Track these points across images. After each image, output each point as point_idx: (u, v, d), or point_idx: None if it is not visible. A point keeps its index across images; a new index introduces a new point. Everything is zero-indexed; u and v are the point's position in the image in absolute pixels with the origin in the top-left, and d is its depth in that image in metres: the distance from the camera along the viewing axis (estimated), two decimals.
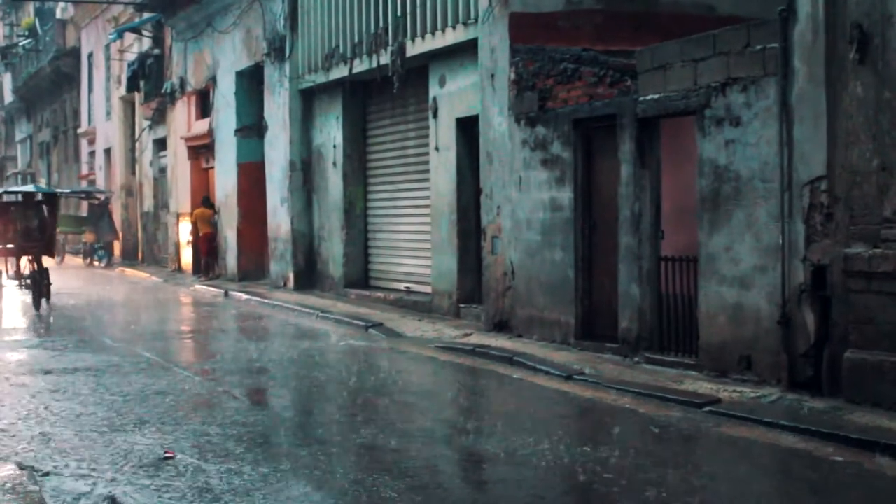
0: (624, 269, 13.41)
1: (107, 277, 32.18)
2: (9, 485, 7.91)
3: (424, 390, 12.58)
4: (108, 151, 40.60)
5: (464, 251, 18.02)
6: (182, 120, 31.57)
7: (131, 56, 35.46)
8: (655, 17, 15.82)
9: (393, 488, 7.87)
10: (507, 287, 15.94)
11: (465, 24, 17.41)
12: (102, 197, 36.20)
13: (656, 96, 12.85)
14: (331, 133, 23.03)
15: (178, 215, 32.03)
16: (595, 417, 10.97)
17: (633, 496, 7.81)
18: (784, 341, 11.00)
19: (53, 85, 48.13)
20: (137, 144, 36.84)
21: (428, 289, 19.29)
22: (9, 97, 57.85)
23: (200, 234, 28.93)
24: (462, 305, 17.88)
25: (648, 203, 13.14)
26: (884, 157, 10.03)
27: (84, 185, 42.49)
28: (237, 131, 27.19)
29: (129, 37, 35.78)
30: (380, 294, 21.02)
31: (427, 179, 19.30)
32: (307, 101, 24.02)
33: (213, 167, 29.51)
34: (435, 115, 18.73)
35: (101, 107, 41.08)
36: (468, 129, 17.71)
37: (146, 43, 34.53)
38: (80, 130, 44.78)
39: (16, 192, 23.51)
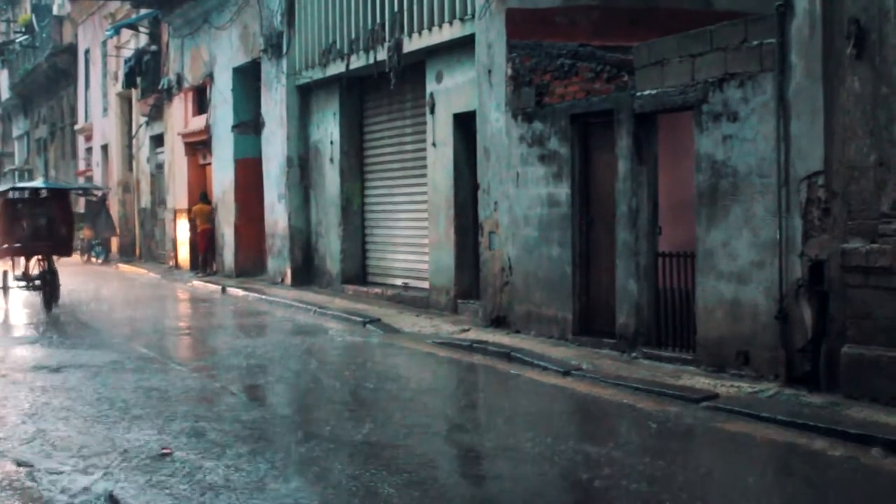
0: (621, 264, 13.42)
1: (104, 274, 32.17)
2: (6, 482, 7.91)
3: (422, 386, 12.58)
4: (105, 148, 40.57)
5: (461, 247, 18.01)
6: (179, 116, 31.55)
7: (128, 52, 35.43)
8: (652, 13, 15.80)
9: (390, 484, 7.87)
10: (504, 283, 15.95)
11: (461, 19, 17.40)
12: (100, 193, 36.14)
13: (653, 92, 12.85)
14: (328, 129, 23.03)
15: (175, 212, 32.01)
16: (593, 413, 10.98)
17: (631, 491, 7.81)
18: (781, 336, 11.01)
19: (50, 81, 48.09)
20: (134, 141, 36.82)
21: (425, 284, 19.29)
22: (6, 94, 57.80)
23: (199, 230, 28.92)
24: (460, 301, 17.89)
25: (646, 198, 13.14)
26: (881, 153, 10.03)
27: (81, 181, 42.46)
28: (234, 127, 27.18)
29: (126, 33, 35.75)
30: (377, 290, 21.01)
31: (424, 175, 19.29)
32: (304, 98, 24.00)
33: (210, 163, 29.49)
34: (432, 111, 18.72)
35: (98, 103, 41.04)
36: (465, 124, 17.70)
37: (143, 39, 34.50)
38: (77, 127, 44.75)
39: (23, 189, 22.14)
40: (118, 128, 38.64)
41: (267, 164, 25.52)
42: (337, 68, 21.89)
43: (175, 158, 32.08)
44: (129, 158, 38.06)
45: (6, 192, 21.54)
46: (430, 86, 18.75)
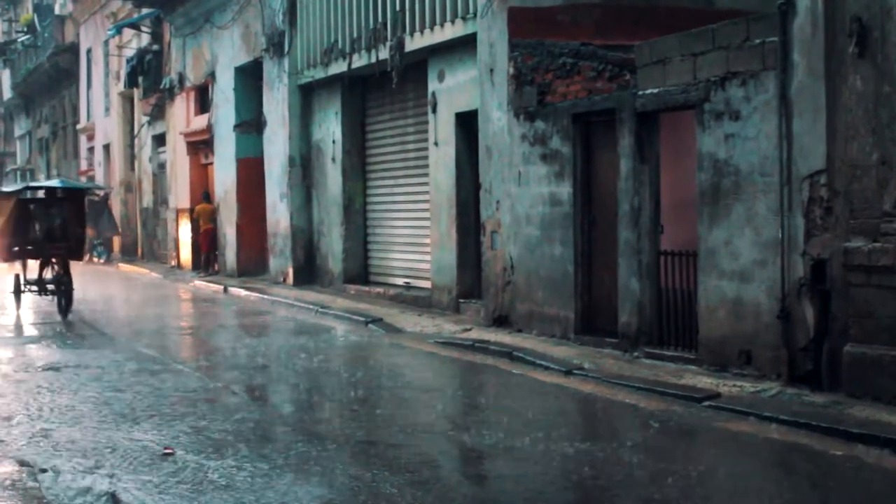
0: (623, 263, 13.41)
1: (106, 274, 32.18)
2: (9, 482, 7.91)
3: (424, 386, 12.57)
4: (107, 147, 40.59)
5: (463, 246, 18.01)
6: (181, 116, 31.55)
7: (130, 52, 35.44)
8: (654, 12, 15.80)
9: (392, 483, 7.87)
10: (506, 282, 15.94)
11: (463, 18, 17.39)
12: (102, 193, 36.17)
13: (655, 90, 12.84)
14: (330, 128, 23.02)
15: (177, 211, 32.02)
16: (595, 412, 10.97)
17: (633, 491, 7.81)
18: (784, 335, 11.00)
19: (52, 81, 48.11)
20: (136, 140, 36.83)
21: (427, 284, 19.28)
22: (8, 93, 57.83)
23: (201, 229, 28.92)
24: (462, 300, 17.88)
25: (648, 197, 13.13)
26: (883, 151, 10.02)
27: (83, 181, 42.48)
28: (236, 127, 27.18)
29: (128, 32, 35.76)
30: (379, 289, 21.01)
31: (426, 174, 19.29)
32: (306, 97, 24.00)
33: (212, 163, 29.50)
34: (434, 110, 18.72)
35: (100, 103, 41.06)
36: (467, 123, 17.69)
37: (145, 39, 34.51)
38: (78, 126, 44.76)
39: (38, 188, 21.22)
40: (120, 127, 38.65)
41: (269, 164, 25.52)
42: (339, 67, 21.89)
43: (177, 158, 32.09)
44: (131, 158, 38.07)
45: (20, 191, 20.72)
46: (432, 85, 18.74)
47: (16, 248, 19.81)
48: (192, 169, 31.01)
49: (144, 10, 33.25)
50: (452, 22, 17.72)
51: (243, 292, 23.66)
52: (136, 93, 35.95)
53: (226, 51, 27.73)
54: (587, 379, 12.14)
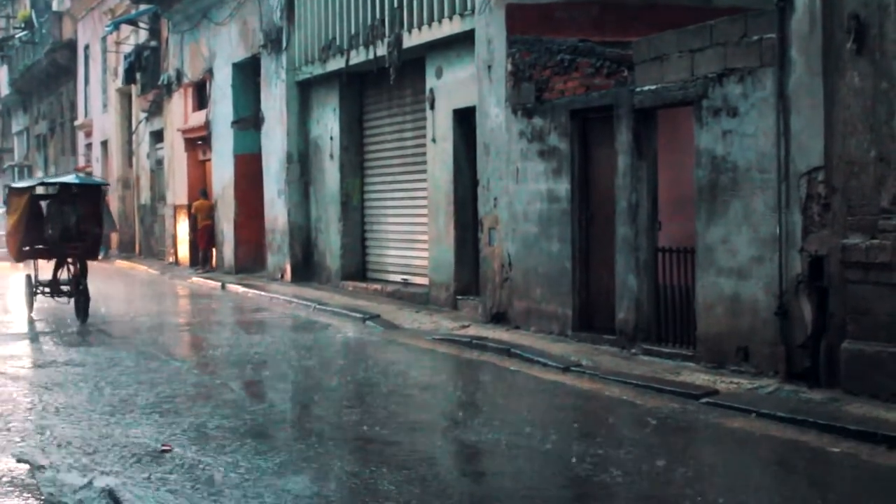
0: (621, 260, 13.41)
1: (104, 270, 32.14)
2: (7, 478, 7.91)
3: (422, 382, 12.57)
4: (104, 144, 40.56)
5: (461, 243, 18.00)
6: (179, 112, 31.53)
7: (128, 48, 35.41)
8: (652, 8, 15.79)
9: (390, 480, 7.87)
10: (504, 279, 15.94)
11: (461, 15, 17.38)
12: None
13: (653, 87, 12.83)
14: (327, 125, 23.01)
15: (175, 208, 32.00)
16: (592, 409, 10.97)
17: (631, 488, 7.81)
18: (781, 332, 11.00)
19: (50, 77, 48.06)
20: (134, 136, 36.81)
21: (425, 281, 19.28)
22: (5, 89, 57.76)
23: (199, 226, 28.90)
24: (459, 297, 17.88)
25: (646, 194, 13.13)
26: (881, 148, 10.02)
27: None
28: (234, 123, 27.16)
29: (126, 29, 35.71)
30: (377, 286, 21.01)
31: (424, 171, 19.28)
32: (304, 93, 23.99)
33: (209, 159, 29.48)
34: (432, 107, 18.71)
35: (98, 99, 41.02)
36: (465, 120, 17.68)
37: (142, 35, 34.49)
38: (76, 123, 44.73)
39: (52, 184, 19.70)
40: (118, 124, 38.62)
41: (266, 160, 25.50)
42: (336, 64, 21.87)
43: (175, 154, 32.07)
44: (128, 154, 38.05)
45: (32, 187, 19.43)
46: (430, 81, 18.73)
47: (27, 248, 18.89)
48: (189, 165, 30.98)
49: (142, 7, 33.21)
50: (450, 18, 17.71)
51: (241, 289, 23.65)
52: (134, 89, 35.92)
53: (223, 47, 27.71)
54: (585, 376, 12.14)
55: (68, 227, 18.42)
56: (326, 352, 14.72)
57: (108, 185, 24.30)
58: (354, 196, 22.51)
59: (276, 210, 24.83)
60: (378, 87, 21.34)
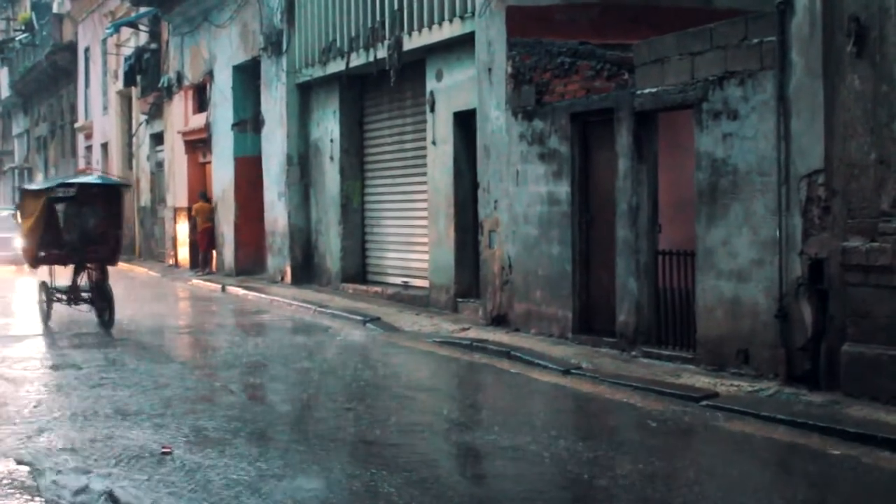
0: (621, 263, 13.41)
1: None
2: (7, 480, 7.91)
3: (422, 385, 12.57)
4: (105, 146, 40.55)
5: (461, 245, 18.01)
6: (179, 114, 31.54)
7: (128, 50, 35.42)
8: (652, 11, 15.80)
9: (391, 483, 7.87)
10: (504, 281, 15.94)
11: (461, 17, 17.39)
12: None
13: (654, 90, 12.84)
14: (328, 127, 23.02)
15: (175, 210, 32.00)
16: (592, 411, 10.97)
17: (631, 490, 7.81)
18: (781, 335, 11.00)
19: (50, 80, 48.07)
20: (134, 139, 36.81)
21: (425, 283, 19.28)
22: (5, 92, 57.79)
23: (199, 228, 28.90)
24: (459, 300, 17.88)
25: (646, 197, 13.14)
26: (881, 151, 10.03)
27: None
28: (234, 126, 27.17)
29: (126, 31, 35.72)
30: (377, 288, 21.01)
31: (424, 174, 19.28)
32: (304, 96, 24.00)
33: (210, 162, 29.48)
34: (432, 110, 18.71)
35: (98, 101, 41.03)
36: (465, 123, 17.69)
37: (143, 37, 34.49)
38: (76, 125, 44.73)
39: (70, 185, 18.32)
40: (118, 126, 38.63)
41: (267, 163, 25.51)
42: (337, 66, 21.88)
43: (175, 157, 32.07)
44: (129, 157, 38.05)
45: (50, 189, 18.14)
46: (430, 84, 18.74)
47: (43, 254, 17.57)
48: (189, 168, 30.99)
49: (142, 9, 33.22)
50: (451, 21, 17.71)
51: (241, 291, 23.65)
52: (134, 91, 35.93)
53: (224, 49, 27.72)
54: (585, 378, 12.14)
55: (87, 231, 17.45)
56: (326, 354, 14.71)
57: (129, 185, 22.49)
58: (355, 198, 22.51)
59: (277, 212, 24.83)
60: (378, 89, 21.35)
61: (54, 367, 13.46)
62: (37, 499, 7.47)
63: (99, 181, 19.08)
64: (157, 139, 34.49)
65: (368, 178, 22.38)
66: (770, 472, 8.47)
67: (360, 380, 12.63)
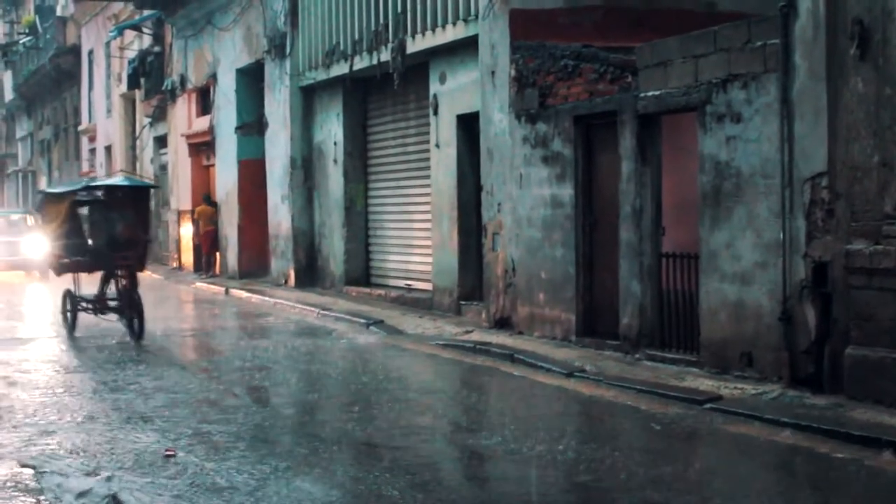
0: (625, 265, 13.40)
1: None
2: (11, 483, 7.91)
3: (425, 388, 12.57)
4: (108, 149, 40.59)
5: (464, 248, 18.00)
6: (183, 117, 31.56)
7: (132, 53, 35.44)
8: (656, 14, 15.80)
9: (394, 485, 7.87)
10: (507, 284, 15.94)
11: (465, 20, 17.39)
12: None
13: (657, 93, 12.84)
14: (331, 130, 23.03)
15: (178, 213, 32.01)
16: (596, 414, 10.96)
17: (635, 493, 7.80)
18: (785, 338, 10.99)
19: (54, 82, 48.11)
20: (138, 142, 36.83)
21: (429, 286, 19.28)
22: (9, 95, 57.83)
23: (202, 231, 28.92)
24: (463, 302, 17.87)
25: (649, 199, 13.13)
26: (885, 153, 10.02)
27: (84, 182, 42.41)
28: (238, 128, 27.18)
29: (130, 34, 35.76)
30: (380, 291, 21.01)
31: (428, 176, 19.29)
32: (308, 99, 24.01)
33: (213, 164, 29.51)
34: (435, 112, 18.72)
35: (102, 104, 41.07)
36: (469, 125, 17.69)
37: (146, 40, 34.52)
38: (80, 128, 44.77)
39: (96, 187, 17.57)
40: (122, 129, 38.66)
41: (270, 166, 25.52)
42: (340, 69, 21.89)
43: (178, 159, 32.10)
44: (132, 160, 38.06)
45: (74, 192, 17.20)
46: (434, 87, 18.75)
47: (67, 260, 16.67)
48: (193, 170, 31.02)
49: (146, 12, 33.27)
50: (454, 24, 17.72)
51: (245, 294, 23.66)
52: (138, 94, 35.96)
53: (227, 52, 27.74)
54: (588, 381, 12.14)
55: (115, 236, 16.34)
56: (330, 357, 14.71)
57: (158, 186, 20.88)
58: (358, 201, 22.52)
59: (280, 215, 24.84)
60: (382, 92, 21.36)
61: (59, 371, 13.47)
62: (41, 501, 7.47)
63: (126, 182, 18.29)
64: (161, 142, 34.52)
65: (372, 180, 22.38)
66: (774, 475, 8.46)
67: (363, 383, 12.63)
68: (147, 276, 30.75)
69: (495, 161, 16.27)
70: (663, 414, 10.38)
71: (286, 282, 24.39)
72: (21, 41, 51.63)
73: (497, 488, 8.22)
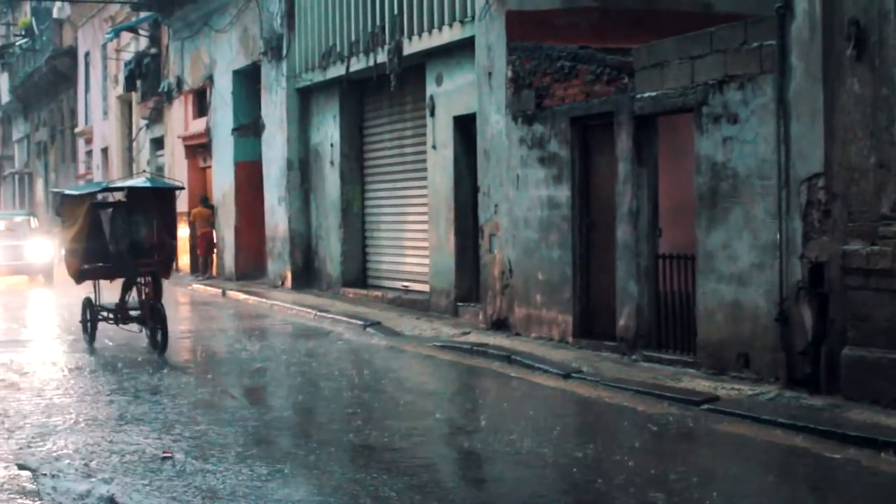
0: (622, 266, 13.41)
1: None
2: (8, 485, 7.91)
3: (423, 389, 12.57)
4: (105, 151, 40.58)
5: (461, 249, 18.01)
6: (179, 119, 31.56)
7: (128, 55, 35.43)
8: (652, 15, 15.81)
9: (391, 487, 7.87)
10: (504, 285, 15.94)
11: (461, 22, 17.40)
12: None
13: (653, 94, 12.85)
14: (328, 132, 23.03)
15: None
16: (593, 415, 10.97)
17: (632, 494, 7.81)
18: (782, 338, 11.00)
19: (50, 84, 48.10)
20: (134, 144, 36.83)
21: (426, 287, 19.29)
22: (6, 97, 57.82)
23: (199, 233, 28.91)
24: (460, 304, 17.88)
25: (646, 200, 13.14)
26: (881, 154, 10.03)
27: (82, 184, 42.42)
28: (234, 130, 27.18)
29: (126, 36, 35.76)
30: (377, 293, 21.01)
31: (424, 178, 19.29)
32: (304, 100, 24.01)
33: (210, 166, 29.50)
34: (432, 114, 18.73)
35: (98, 106, 41.06)
36: (465, 127, 17.70)
37: (143, 42, 34.51)
38: (77, 130, 44.76)
39: (119, 189, 16.78)
40: (118, 131, 38.65)
41: (267, 167, 25.52)
42: (337, 71, 21.89)
43: (175, 161, 32.08)
44: (129, 161, 38.05)
45: (93, 194, 16.26)
46: (430, 88, 18.75)
47: (87, 266, 15.72)
48: (190, 172, 30.98)
49: (142, 14, 33.27)
50: (450, 25, 17.73)
51: (241, 296, 23.66)
52: (135, 96, 35.95)
53: (224, 54, 27.74)
54: (585, 382, 12.14)
55: (138, 240, 15.37)
56: (327, 359, 14.71)
57: (183, 187, 19.58)
58: (355, 203, 22.52)
59: (277, 217, 24.84)
60: (378, 94, 21.37)
61: (52, 372, 13.45)
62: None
63: (149, 184, 17.14)
64: (158, 144, 34.51)
65: (368, 182, 22.39)
66: (771, 476, 8.47)
67: (360, 384, 12.63)
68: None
69: (492, 162, 16.28)
70: (660, 415, 10.39)
71: (283, 283, 24.39)
72: (17, 43, 51.61)
73: (494, 489, 8.23)
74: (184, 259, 30.84)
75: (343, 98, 22.42)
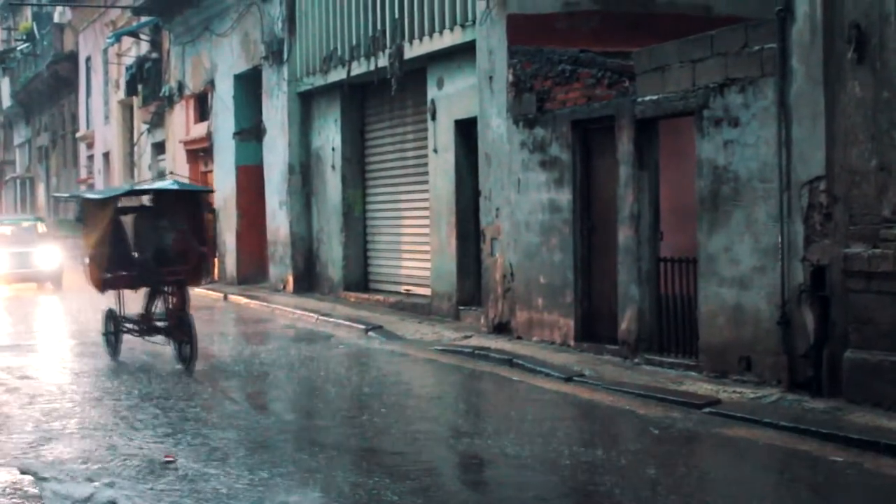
0: (623, 270, 13.41)
1: None
2: (10, 489, 7.90)
3: (424, 393, 12.57)
4: (106, 155, 40.60)
5: (463, 253, 18.01)
6: (180, 123, 31.57)
7: (129, 60, 35.46)
8: (653, 18, 15.82)
9: (394, 491, 7.87)
10: (506, 289, 15.94)
11: (462, 26, 17.41)
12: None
13: (654, 97, 12.85)
14: (329, 136, 23.04)
15: None
16: (595, 419, 10.97)
17: (634, 497, 7.81)
18: (784, 342, 11.00)
19: (51, 89, 48.14)
20: (136, 148, 36.84)
21: (427, 291, 19.28)
22: (7, 102, 57.85)
23: None
24: (461, 307, 17.88)
25: (647, 204, 13.15)
26: (882, 157, 10.04)
27: (83, 189, 42.47)
28: (235, 134, 27.18)
29: (127, 41, 35.76)
30: (379, 297, 21.01)
31: (426, 182, 19.29)
32: (305, 104, 24.02)
33: (211, 171, 29.50)
34: (433, 118, 18.73)
35: (100, 111, 41.08)
36: (467, 131, 17.71)
37: (144, 47, 34.54)
38: (78, 134, 44.79)
39: (145, 192, 16.20)
40: (120, 135, 38.67)
41: (268, 171, 25.53)
42: (338, 75, 21.90)
43: (176, 166, 32.07)
44: (130, 166, 38.07)
45: (116, 198, 15.13)
46: (432, 92, 18.76)
47: (110, 276, 14.56)
48: (191, 177, 30.94)
49: (143, 19, 33.26)
50: (451, 29, 17.74)
51: (243, 300, 23.66)
52: (136, 101, 35.96)
53: (225, 59, 27.75)
54: (587, 386, 12.14)
55: (164, 248, 14.52)
56: (329, 363, 14.71)
57: (213, 191, 18.09)
58: (356, 207, 22.52)
59: (278, 221, 24.85)
60: (379, 98, 21.37)
61: (54, 376, 13.46)
62: None
63: (176, 187, 16.04)
64: (159, 148, 34.52)
65: (370, 186, 22.39)
66: (773, 479, 8.47)
67: (362, 388, 12.64)
68: None
69: (493, 166, 16.28)
70: (662, 418, 10.39)
71: (284, 287, 24.39)
72: (18, 48, 51.66)
73: (496, 493, 8.23)
74: None
75: (344, 102, 22.43)
